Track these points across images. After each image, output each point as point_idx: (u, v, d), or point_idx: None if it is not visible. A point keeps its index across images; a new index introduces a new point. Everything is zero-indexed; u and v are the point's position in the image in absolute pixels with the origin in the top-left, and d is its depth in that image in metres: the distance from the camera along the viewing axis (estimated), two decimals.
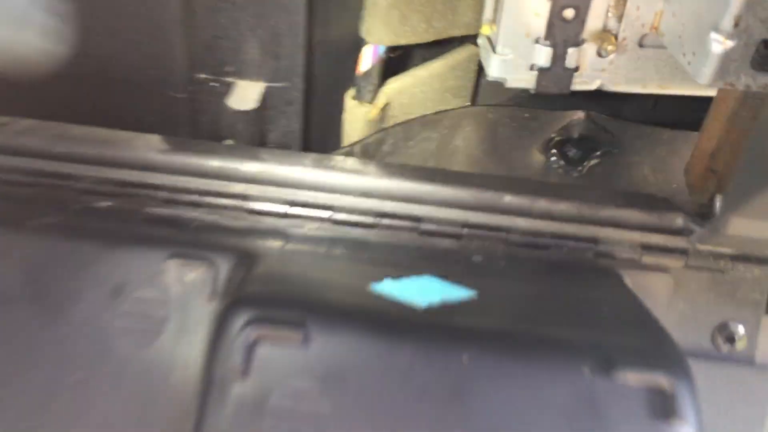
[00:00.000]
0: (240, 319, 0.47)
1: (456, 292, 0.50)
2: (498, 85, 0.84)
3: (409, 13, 0.71)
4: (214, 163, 0.62)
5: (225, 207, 0.61)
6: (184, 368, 0.50)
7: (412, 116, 0.83)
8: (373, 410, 0.44)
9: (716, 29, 0.50)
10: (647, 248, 0.63)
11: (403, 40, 0.73)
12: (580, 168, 0.88)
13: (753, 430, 0.64)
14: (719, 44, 0.50)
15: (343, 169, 0.63)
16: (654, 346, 0.52)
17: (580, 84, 0.74)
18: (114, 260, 0.53)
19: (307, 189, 0.62)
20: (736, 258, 0.64)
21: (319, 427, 0.44)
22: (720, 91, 0.66)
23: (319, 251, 0.60)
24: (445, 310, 0.48)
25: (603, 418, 0.46)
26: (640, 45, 0.72)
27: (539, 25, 0.69)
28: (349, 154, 0.77)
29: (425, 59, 0.81)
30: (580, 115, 0.85)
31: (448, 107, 0.85)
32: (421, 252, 0.61)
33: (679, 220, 0.64)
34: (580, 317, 0.53)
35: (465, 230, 0.62)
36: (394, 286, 0.50)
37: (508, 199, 0.63)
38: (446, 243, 0.63)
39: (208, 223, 0.60)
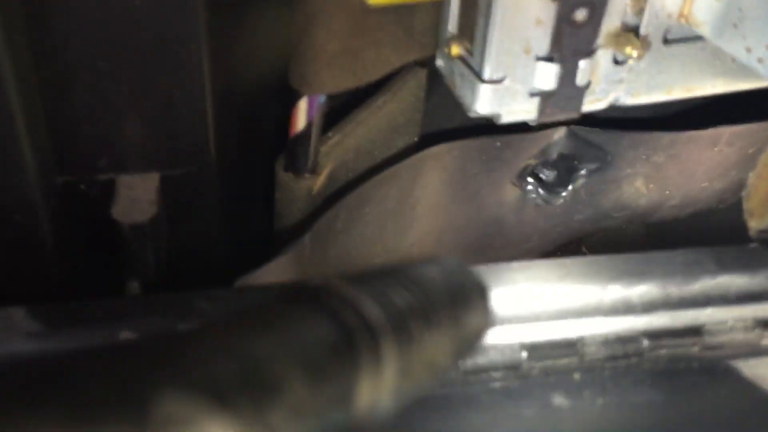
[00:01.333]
0: None
1: None
2: (447, 111, 0.65)
3: (362, 49, 0.50)
4: (127, 335, 0.39)
5: None
6: None
7: (359, 173, 0.61)
8: None
9: None
10: (764, 324, 0.46)
11: (351, 83, 0.52)
12: (563, 192, 0.70)
13: None
14: None
15: None
16: None
17: (590, 103, 0.55)
18: None
19: None
20: None
21: None
22: None
23: None
24: None
25: None
26: (665, 41, 0.54)
27: (541, 36, 0.50)
28: (299, 249, 0.54)
29: (355, 97, 0.59)
30: (560, 131, 0.66)
31: (396, 150, 0.64)
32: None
33: None
34: None
35: (524, 354, 0.42)
36: None
37: None
38: (499, 380, 0.42)
39: None
